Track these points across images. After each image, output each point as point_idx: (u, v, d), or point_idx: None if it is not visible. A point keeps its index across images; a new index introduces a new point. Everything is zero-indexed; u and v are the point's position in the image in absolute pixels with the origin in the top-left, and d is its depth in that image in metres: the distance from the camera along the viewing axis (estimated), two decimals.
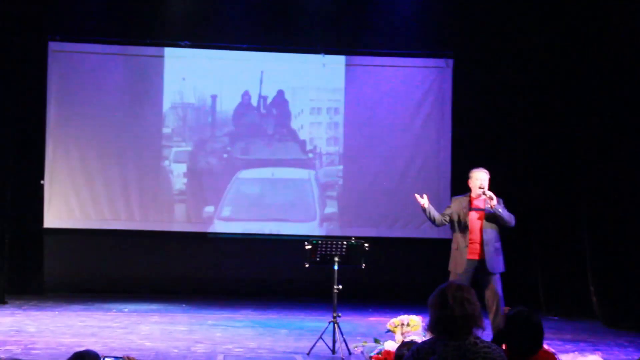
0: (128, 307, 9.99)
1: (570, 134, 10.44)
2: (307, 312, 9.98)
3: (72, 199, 11.22)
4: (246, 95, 11.45)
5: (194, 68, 11.36)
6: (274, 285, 11.27)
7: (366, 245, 7.24)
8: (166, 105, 11.38)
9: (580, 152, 10.25)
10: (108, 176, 11.25)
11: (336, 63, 11.42)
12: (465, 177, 7.92)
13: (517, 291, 10.61)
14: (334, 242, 7.25)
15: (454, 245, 7.79)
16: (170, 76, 11.34)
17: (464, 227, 7.67)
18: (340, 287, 7.23)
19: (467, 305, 3.47)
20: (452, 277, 7.70)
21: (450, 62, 11.34)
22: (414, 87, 11.42)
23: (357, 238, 7.42)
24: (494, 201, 7.54)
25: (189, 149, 11.44)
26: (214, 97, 11.43)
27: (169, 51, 11.34)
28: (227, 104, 11.46)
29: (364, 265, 7.31)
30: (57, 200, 11.17)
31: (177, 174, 11.44)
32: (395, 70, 11.42)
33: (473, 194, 7.73)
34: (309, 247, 7.23)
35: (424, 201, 7.76)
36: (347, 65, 11.42)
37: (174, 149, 11.38)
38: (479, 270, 7.61)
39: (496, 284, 7.65)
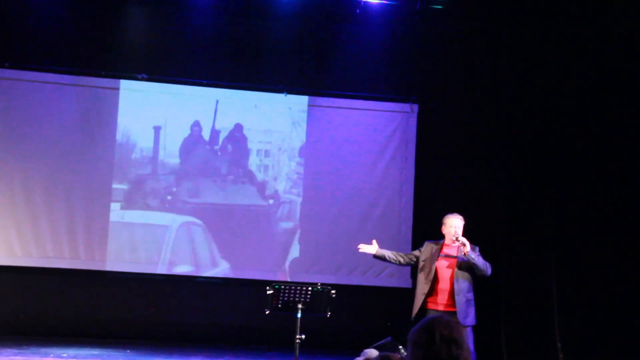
0: (67, 352, 9.07)
1: (538, 179, 9.93)
2: None
3: (12, 234, 10.27)
4: (196, 126, 10.71)
5: (149, 102, 10.60)
6: (228, 331, 10.40)
7: (333, 292, 6.55)
8: (119, 139, 10.55)
9: (548, 195, 9.74)
10: (53, 212, 10.37)
11: (298, 103, 10.78)
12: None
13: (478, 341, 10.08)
14: (298, 288, 6.52)
15: (416, 293, 7.22)
16: (124, 110, 10.55)
17: (427, 274, 7.11)
18: (303, 336, 6.49)
19: (454, 349, 2.84)
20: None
21: (415, 107, 10.83)
22: (378, 131, 10.85)
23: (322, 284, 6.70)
24: (467, 247, 6.94)
25: (125, 187, 10.59)
26: (157, 129, 10.61)
27: (124, 83, 10.58)
28: (174, 137, 10.68)
29: (329, 313, 6.57)
30: None
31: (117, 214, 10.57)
32: (359, 113, 10.84)
33: (447, 241, 7.14)
34: (271, 292, 6.49)
35: (371, 248, 7.11)
36: (310, 105, 10.82)
37: (113, 186, 10.52)
38: None
39: (469, 339, 7.02)
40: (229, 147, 10.75)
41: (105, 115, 10.53)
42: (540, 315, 9.42)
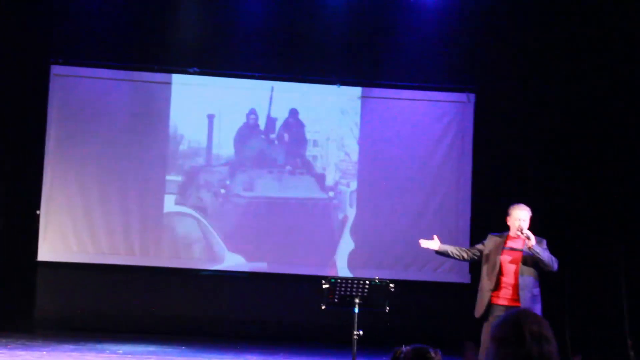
0: (123, 349, 8.91)
1: (603, 170, 9.45)
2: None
3: (69, 230, 10.22)
4: (252, 114, 10.48)
5: (202, 95, 10.40)
6: (283, 328, 10.18)
7: (391, 285, 6.21)
8: (172, 133, 10.37)
9: (614, 187, 9.26)
10: (108, 208, 10.26)
11: (352, 95, 10.46)
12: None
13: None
14: (355, 282, 6.21)
15: (479, 287, 6.84)
16: (177, 103, 10.37)
17: (491, 268, 6.67)
18: (361, 332, 6.17)
19: (545, 345, 2.51)
20: (484, 326, 6.68)
21: (472, 96, 10.41)
22: (433, 122, 10.47)
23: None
24: (532, 241, 6.52)
25: (179, 179, 10.39)
26: (210, 118, 10.38)
27: (176, 78, 10.41)
28: (228, 128, 10.46)
29: (388, 308, 6.24)
30: (53, 232, 10.17)
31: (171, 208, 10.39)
32: (413, 104, 10.48)
33: (511, 233, 6.74)
34: (327, 286, 6.19)
35: (432, 244, 6.74)
36: (363, 97, 10.48)
37: (167, 178, 10.34)
38: None
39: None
40: (286, 135, 10.45)
41: (158, 109, 10.36)
42: (609, 311, 8.94)
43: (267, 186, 10.42)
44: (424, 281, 10.34)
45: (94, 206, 10.23)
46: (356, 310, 6.21)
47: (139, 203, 10.29)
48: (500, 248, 6.73)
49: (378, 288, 6.19)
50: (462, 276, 10.32)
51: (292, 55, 10.47)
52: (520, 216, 6.71)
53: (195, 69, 10.35)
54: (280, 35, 10.45)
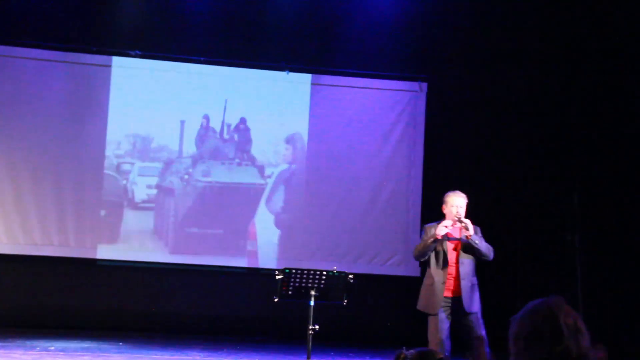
0: (55, 345, 8.17)
1: (553, 160, 9.14)
2: (274, 357, 8.25)
3: None
4: (205, 118, 9.85)
5: (144, 80, 9.68)
6: (229, 322, 9.51)
7: (350, 277, 5.67)
8: (112, 119, 9.62)
9: (562, 180, 8.97)
10: (41, 197, 9.49)
11: (301, 82, 9.89)
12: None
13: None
14: (311, 273, 5.65)
15: (427, 281, 6.38)
16: (117, 88, 9.63)
17: (444, 260, 6.26)
18: (317, 327, 5.62)
19: (581, 339, 2.09)
20: (430, 320, 6.29)
21: (425, 85, 9.98)
22: (385, 111, 10.00)
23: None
24: (470, 230, 6.11)
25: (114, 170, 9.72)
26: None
27: (117, 60, 9.65)
28: (188, 127, 9.82)
29: (346, 301, 5.70)
30: None
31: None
32: (364, 92, 9.98)
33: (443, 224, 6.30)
34: (280, 276, 5.61)
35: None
36: (313, 84, 9.93)
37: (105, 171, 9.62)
38: (455, 310, 6.28)
39: (479, 325, 6.28)
40: (235, 136, 9.85)
41: (96, 93, 9.59)
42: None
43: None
44: (373, 274, 9.82)
45: (26, 195, 9.43)
46: (312, 303, 5.65)
47: (75, 192, 9.51)
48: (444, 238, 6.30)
49: (336, 279, 5.66)
50: (411, 269, 9.85)
51: (240, 40, 9.86)
52: (456, 203, 6.35)
53: (137, 52, 9.63)
54: (228, 18, 9.83)
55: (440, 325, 6.20)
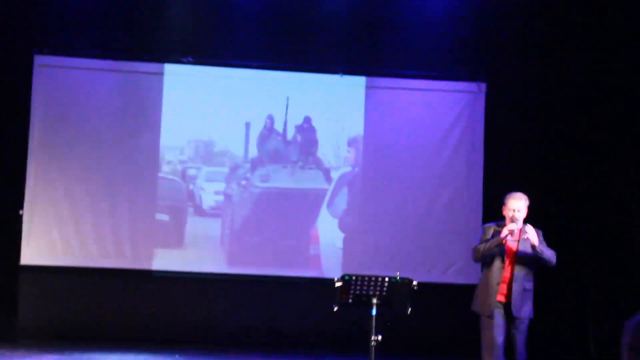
0: (112, 358, 7.92)
1: (620, 165, 8.61)
2: None
3: (54, 232, 9.23)
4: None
5: (197, 86, 9.45)
6: (289, 334, 9.16)
7: (415, 284, 5.28)
8: (165, 128, 9.40)
9: (632, 181, 8.44)
10: (96, 207, 9.30)
11: (355, 85, 9.53)
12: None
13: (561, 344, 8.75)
14: (373, 280, 5.28)
15: (482, 281, 6.18)
16: (169, 95, 9.41)
17: (501, 261, 6.01)
18: (380, 337, 5.23)
19: None
20: (484, 322, 6.01)
21: (483, 86, 9.51)
22: (442, 114, 9.57)
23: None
24: (535, 241, 5.92)
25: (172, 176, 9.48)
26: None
27: (169, 68, 9.45)
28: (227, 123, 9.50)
29: (409, 310, 5.32)
30: (37, 234, 9.20)
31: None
32: (421, 94, 9.57)
33: (506, 224, 5.96)
34: (340, 284, 5.25)
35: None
36: (368, 87, 9.56)
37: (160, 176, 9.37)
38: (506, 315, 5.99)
39: (521, 335, 5.96)
40: (298, 137, 9.52)
41: (149, 101, 9.39)
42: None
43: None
44: (433, 283, 9.36)
45: (81, 206, 9.26)
46: (374, 312, 5.26)
47: (130, 202, 9.31)
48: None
49: (399, 286, 5.27)
50: (472, 277, 9.32)
51: (291, 44, 9.53)
52: (514, 206, 6.06)
53: (189, 58, 9.41)
54: (280, 22, 9.51)
55: (496, 329, 5.84)
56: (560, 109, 9.30)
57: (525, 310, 6.00)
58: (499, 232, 6.02)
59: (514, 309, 5.93)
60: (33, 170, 9.21)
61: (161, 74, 9.43)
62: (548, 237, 6.24)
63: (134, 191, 9.33)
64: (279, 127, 9.50)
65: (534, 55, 9.40)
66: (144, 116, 9.41)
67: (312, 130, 9.53)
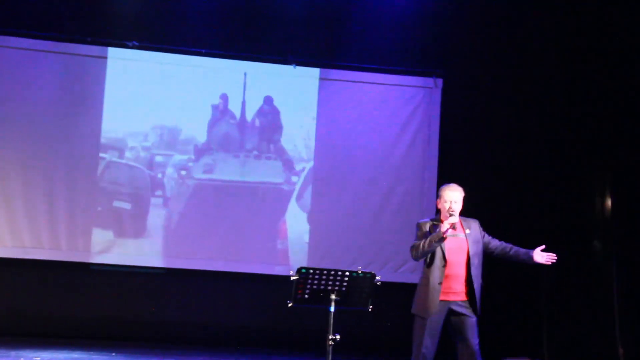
0: (42, 355, 7.29)
1: (577, 162, 8.34)
2: None
3: None
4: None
5: (141, 72, 8.83)
6: (231, 332, 8.59)
7: (377, 278, 4.80)
8: (107, 113, 8.75)
9: (588, 182, 8.18)
10: (31, 196, 8.58)
11: (309, 76, 9.04)
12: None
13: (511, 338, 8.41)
14: (332, 274, 4.78)
15: (423, 281, 5.60)
16: (112, 80, 8.77)
17: (441, 259, 5.52)
18: (337, 337, 4.74)
19: None
20: (417, 322, 5.54)
21: (440, 81, 9.16)
22: (398, 108, 9.18)
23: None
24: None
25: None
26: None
27: (113, 52, 8.81)
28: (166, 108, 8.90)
29: (371, 307, 4.84)
30: None
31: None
32: (376, 88, 9.16)
33: (443, 218, 5.51)
34: (296, 277, 4.74)
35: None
36: (322, 79, 9.08)
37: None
38: (454, 314, 5.50)
39: (475, 332, 5.54)
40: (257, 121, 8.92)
41: (91, 85, 8.73)
42: (594, 301, 7.75)
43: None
44: (385, 282, 8.89)
45: (15, 194, 8.55)
46: (332, 308, 4.77)
47: (68, 191, 8.64)
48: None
49: (360, 281, 4.78)
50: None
51: (244, 32, 9.03)
52: (451, 197, 5.60)
53: (135, 43, 8.79)
54: (231, 9, 9.01)
55: (430, 331, 5.42)
56: (517, 105, 9.01)
57: (479, 309, 5.58)
58: (436, 227, 5.58)
59: (476, 308, 5.50)
60: None
61: (104, 57, 8.79)
62: (503, 235, 5.88)
63: (72, 179, 8.65)
64: (234, 108, 8.92)
65: (490, 51, 9.11)
66: (85, 100, 8.75)
67: (275, 112, 8.98)
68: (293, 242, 8.96)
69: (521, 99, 9.02)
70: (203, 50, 8.92)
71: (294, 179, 9.02)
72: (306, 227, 9.00)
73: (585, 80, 8.40)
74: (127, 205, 8.80)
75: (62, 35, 8.71)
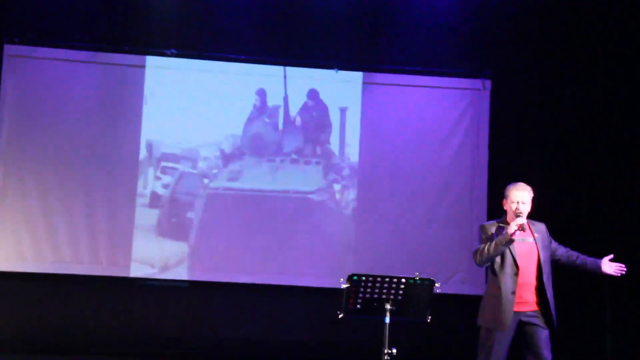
0: None
1: (629, 165, 7.79)
2: None
3: (24, 236, 8.19)
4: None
5: (180, 81, 8.47)
6: (281, 347, 8.11)
7: (437, 285, 4.30)
8: (146, 124, 8.41)
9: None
10: (71, 210, 8.28)
11: (352, 80, 8.59)
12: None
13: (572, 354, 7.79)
14: (387, 281, 4.29)
15: (492, 290, 5.10)
16: (151, 89, 8.43)
17: (513, 265, 5.01)
18: (394, 351, 4.25)
19: None
20: (485, 335, 5.07)
21: (488, 83, 8.64)
22: (444, 112, 8.69)
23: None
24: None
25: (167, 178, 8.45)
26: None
27: (151, 60, 8.48)
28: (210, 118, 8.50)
29: (429, 318, 4.34)
30: (7, 238, 8.20)
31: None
32: (422, 91, 8.69)
33: (509, 219, 5.01)
34: (347, 285, 4.25)
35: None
36: (365, 83, 8.63)
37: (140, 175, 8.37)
38: (526, 326, 5.00)
39: (548, 346, 5.05)
40: (299, 119, 8.49)
41: (129, 95, 8.41)
42: None
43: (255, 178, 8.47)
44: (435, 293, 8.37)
45: (54, 208, 8.26)
46: (387, 319, 4.27)
47: (108, 203, 8.31)
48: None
49: (418, 289, 4.27)
50: (477, 288, 8.43)
51: (284, 37, 8.64)
52: (518, 198, 5.12)
53: (173, 51, 8.45)
54: (272, 14, 8.62)
55: (500, 345, 4.94)
56: (569, 106, 8.47)
57: (555, 320, 5.05)
58: (502, 230, 5.06)
59: (550, 320, 4.97)
60: (2, 171, 8.24)
61: (143, 66, 8.46)
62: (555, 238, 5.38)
63: (112, 191, 8.32)
64: (273, 109, 8.51)
65: (540, 51, 8.61)
66: (124, 110, 8.43)
67: (322, 107, 8.51)
68: (336, 251, 8.48)
69: (573, 99, 8.51)
70: (242, 57, 8.55)
71: (336, 186, 8.54)
72: (349, 237, 8.51)
73: (634, 80, 7.90)
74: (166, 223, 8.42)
75: (100, 45, 8.43)
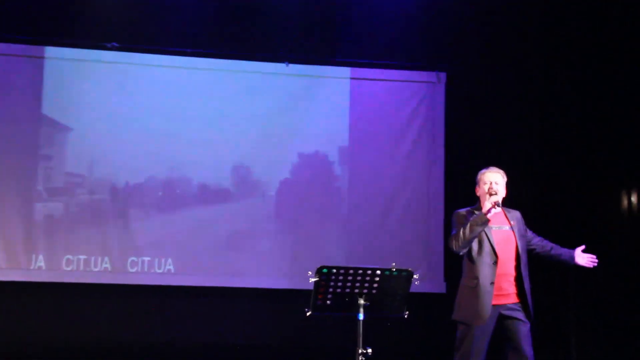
0: None
1: (584, 159, 7.58)
2: None
3: None
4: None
5: (127, 75, 7.91)
6: (249, 351, 7.56)
7: (415, 276, 3.87)
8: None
9: (593, 180, 7.41)
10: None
11: (303, 74, 8.14)
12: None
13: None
14: (359, 273, 3.84)
15: (468, 282, 4.72)
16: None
17: (491, 253, 4.66)
18: (369, 350, 3.80)
19: None
20: (463, 330, 4.67)
21: (443, 76, 8.32)
22: (399, 105, 8.36)
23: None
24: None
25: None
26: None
27: (92, 54, 7.88)
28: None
29: (407, 313, 3.92)
30: None
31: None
32: (375, 85, 8.32)
33: (482, 205, 4.67)
34: (316, 279, 3.79)
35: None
36: (315, 76, 8.18)
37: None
38: (506, 319, 4.67)
39: (529, 341, 4.72)
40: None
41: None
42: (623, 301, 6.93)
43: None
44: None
45: None
46: (361, 316, 3.82)
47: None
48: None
49: (394, 281, 3.84)
50: (436, 285, 8.12)
51: (234, 30, 8.13)
52: (491, 179, 4.89)
53: (114, 44, 7.87)
54: (220, 7, 8.09)
55: (479, 340, 4.54)
56: (525, 99, 8.25)
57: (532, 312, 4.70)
58: (477, 215, 4.70)
59: (528, 312, 4.61)
60: None
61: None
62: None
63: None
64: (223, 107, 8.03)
65: (496, 44, 8.35)
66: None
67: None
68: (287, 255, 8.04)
69: (529, 93, 8.27)
70: (187, 50, 8.02)
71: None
72: (303, 234, 8.08)
73: (598, 73, 7.72)
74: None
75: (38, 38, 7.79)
